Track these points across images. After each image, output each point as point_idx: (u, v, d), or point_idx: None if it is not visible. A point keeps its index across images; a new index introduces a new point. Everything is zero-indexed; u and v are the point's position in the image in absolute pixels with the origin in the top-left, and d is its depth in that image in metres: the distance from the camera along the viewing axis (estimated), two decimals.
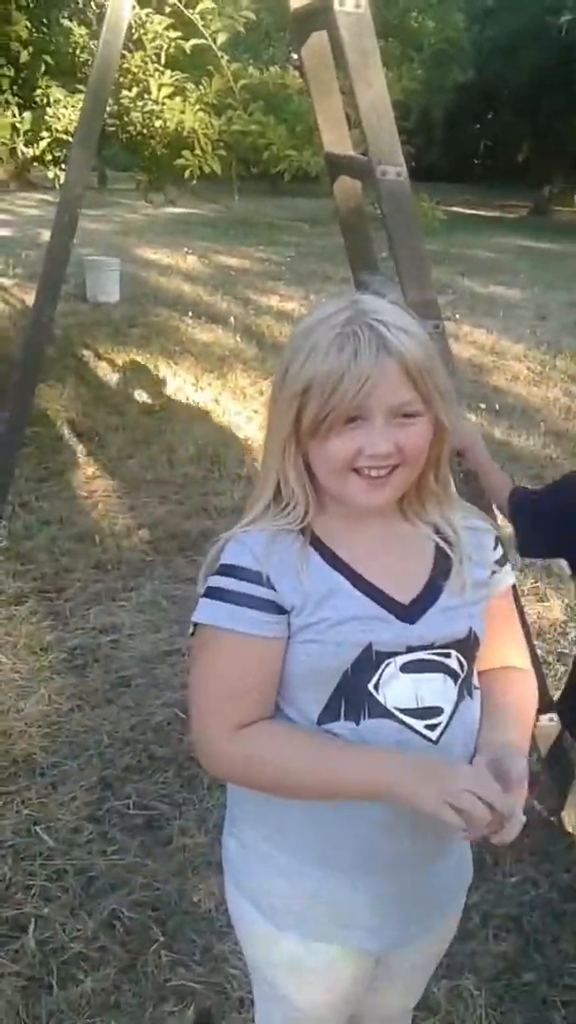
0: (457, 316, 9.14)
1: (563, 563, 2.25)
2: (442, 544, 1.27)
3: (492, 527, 1.35)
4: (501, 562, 1.33)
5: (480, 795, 1.09)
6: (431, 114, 19.63)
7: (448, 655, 1.24)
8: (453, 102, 20.03)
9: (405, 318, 1.15)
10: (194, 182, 4.85)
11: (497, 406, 6.55)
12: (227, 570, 1.20)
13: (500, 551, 1.33)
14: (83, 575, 3.96)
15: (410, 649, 1.21)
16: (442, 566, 1.26)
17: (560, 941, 2.31)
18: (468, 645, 1.26)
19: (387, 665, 1.20)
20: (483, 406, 6.40)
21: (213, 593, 1.20)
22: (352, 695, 1.20)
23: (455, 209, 18.61)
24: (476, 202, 21.60)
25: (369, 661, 1.19)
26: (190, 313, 8.98)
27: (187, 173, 4.58)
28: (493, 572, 1.31)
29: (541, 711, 2.54)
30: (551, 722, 2.56)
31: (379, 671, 1.20)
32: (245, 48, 5.31)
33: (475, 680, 1.30)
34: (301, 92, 4.49)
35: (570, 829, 2.63)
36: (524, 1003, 2.14)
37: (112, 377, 6.93)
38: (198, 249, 13.15)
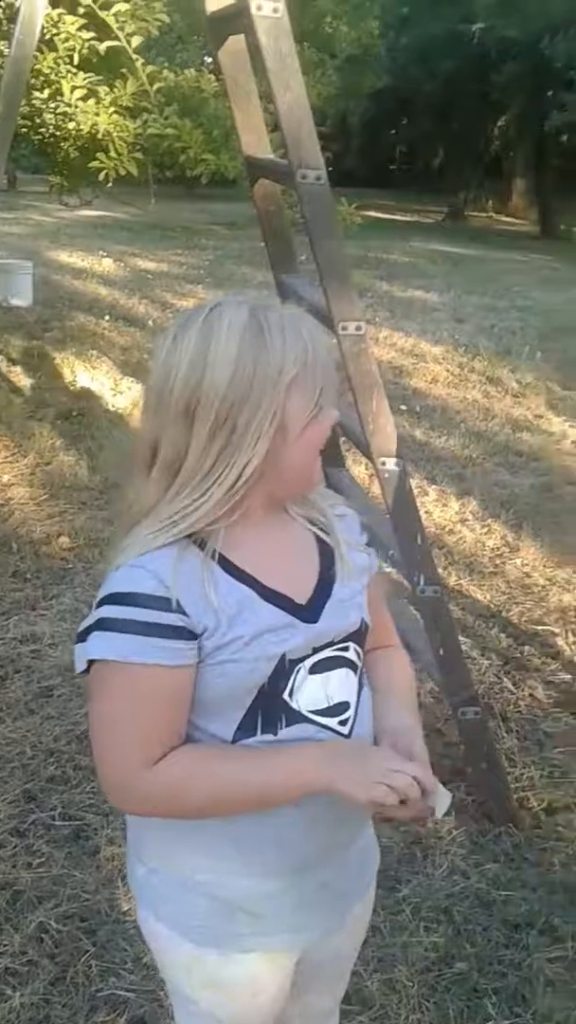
0: (376, 319, 9.25)
1: None
2: (320, 534, 1.29)
3: (354, 511, 1.38)
4: (366, 545, 1.36)
5: (405, 771, 1.13)
6: (348, 120, 19.85)
7: (347, 648, 1.26)
8: (369, 108, 20.27)
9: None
10: (109, 185, 4.81)
11: (418, 407, 6.65)
12: (127, 599, 1.12)
13: (365, 535, 1.36)
14: (1, 584, 3.89)
15: (315, 649, 1.22)
16: (327, 557, 1.28)
17: (490, 930, 2.35)
18: (362, 634, 1.29)
19: (298, 671, 1.20)
20: (404, 407, 6.48)
21: (112, 625, 1.12)
22: (269, 708, 1.19)
23: (372, 214, 18.81)
24: (393, 207, 21.87)
25: (283, 671, 1.19)
26: (107, 316, 8.88)
27: (102, 176, 4.54)
28: (366, 554, 1.34)
29: (466, 704, 2.58)
30: (476, 715, 2.61)
31: (292, 678, 1.20)
32: (159, 51, 5.28)
33: (364, 665, 1.33)
34: (217, 96, 4.49)
35: (496, 819, 2.68)
36: (456, 992, 2.18)
37: (27, 382, 6.81)
38: (114, 252, 13.00)
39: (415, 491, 2.49)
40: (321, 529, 1.29)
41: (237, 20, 2.26)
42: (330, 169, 2.20)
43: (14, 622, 3.61)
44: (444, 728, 3.08)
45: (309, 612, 1.22)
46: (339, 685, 1.24)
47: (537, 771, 2.94)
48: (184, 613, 1.12)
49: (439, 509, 4.90)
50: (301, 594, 1.23)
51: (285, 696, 1.20)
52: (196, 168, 4.42)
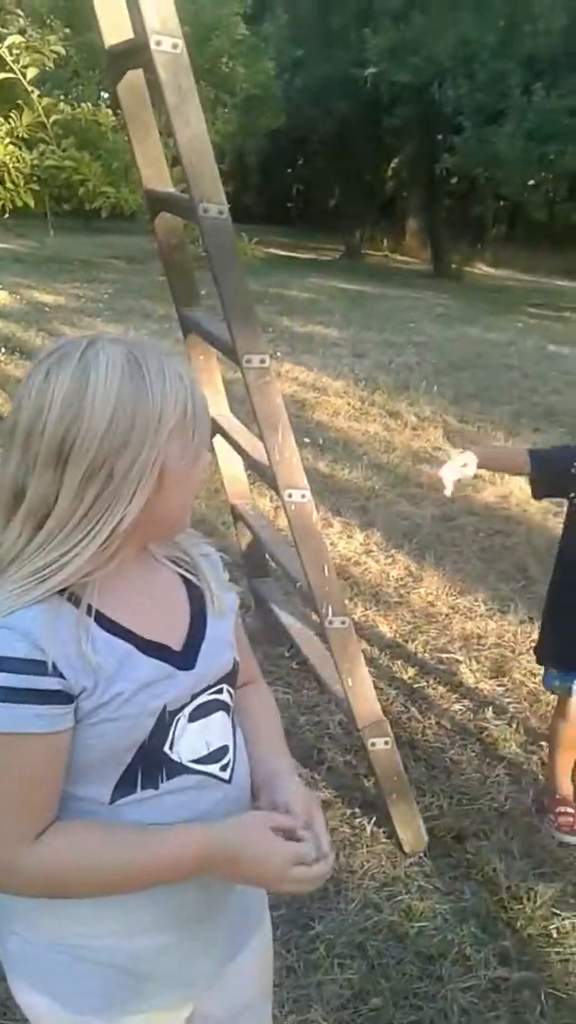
0: (278, 354, 9.32)
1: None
2: (187, 575, 1.26)
3: (214, 551, 1.36)
4: (229, 584, 1.34)
5: (307, 859, 1.14)
6: (245, 158, 20.10)
7: (221, 690, 1.23)
8: (266, 147, 20.58)
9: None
10: (6, 216, 4.74)
11: (321, 440, 6.71)
12: (12, 667, 1.04)
13: (226, 573, 1.35)
14: None
15: (193, 696, 1.19)
16: (196, 599, 1.25)
17: (404, 963, 2.34)
18: (234, 674, 1.27)
19: (178, 721, 1.17)
20: (307, 440, 6.53)
21: (5, 694, 1.04)
22: (149, 763, 1.15)
23: (271, 251, 19.05)
24: (291, 244, 22.19)
25: (164, 724, 1.15)
26: (2, 348, 8.72)
27: None
28: (229, 592, 1.32)
29: (375, 735, 2.58)
30: (385, 746, 2.61)
31: (172, 730, 1.16)
32: (56, 84, 5.27)
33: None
34: (116, 129, 4.49)
35: (407, 850, 2.69)
36: None
37: None
38: (9, 284, 12.78)
39: (320, 523, 2.50)
40: (187, 570, 1.27)
41: (136, 55, 2.26)
42: (229, 206, 2.20)
43: None
44: (354, 760, 3.08)
45: (185, 659, 1.18)
46: (217, 730, 1.22)
47: (446, 799, 2.96)
48: (61, 675, 1.05)
49: (344, 541, 4.94)
50: (176, 640, 1.19)
51: (166, 749, 1.15)
52: (95, 201, 4.40)
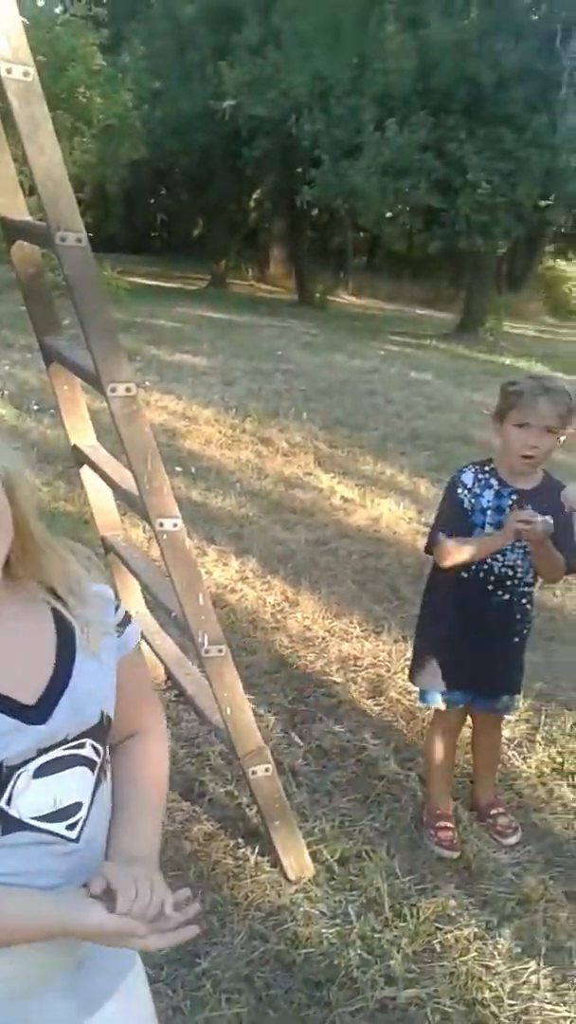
0: (147, 383, 9.27)
1: None
2: (63, 614, 1.19)
3: (106, 589, 1.29)
4: (124, 623, 1.27)
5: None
6: (107, 188, 19.96)
7: (83, 745, 1.17)
8: (128, 177, 20.47)
9: None
10: None
11: (193, 469, 6.69)
12: None
13: (120, 612, 1.27)
14: None
15: (41, 752, 1.12)
16: (66, 644, 1.18)
17: (291, 992, 2.32)
18: (101, 728, 1.20)
19: (18, 776, 1.11)
20: (179, 469, 6.50)
21: None
22: None
23: (137, 280, 18.97)
24: (157, 273, 22.15)
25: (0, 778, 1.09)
26: None
27: None
28: (117, 635, 1.25)
29: (256, 762, 2.57)
30: (266, 773, 2.60)
31: (10, 785, 1.10)
32: None
33: (107, 757, 1.24)
34: None
35: (292, 877, 2.68)
36: None
37: None
38: None
39: (194, 551, 2.48)
40: (65, 607, 1.19)
41: None
42: (91, 235, 2.18)
43: None
44: (235, 790, 3.06)
45: (38, 712, 1.12)
46: (69, 787, 1.15)
47: (328, 822, 2.97)
48: None
49: (219, 568, 4.92)
50: (29, 693, 1.13)
51: (2, 804, 1.09)
52: None
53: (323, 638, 4.26)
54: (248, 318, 16.66)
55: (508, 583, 2.72)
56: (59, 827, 1.14)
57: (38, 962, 1.18)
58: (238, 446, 7.57)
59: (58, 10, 14.96)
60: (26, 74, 1.99)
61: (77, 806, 1.16)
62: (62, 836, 1.15)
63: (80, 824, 1.17)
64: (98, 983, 1.28)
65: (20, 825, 1.11)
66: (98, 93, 11.86)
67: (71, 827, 1.15)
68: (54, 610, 1.18)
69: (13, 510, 1.11)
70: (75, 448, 3.08)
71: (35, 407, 7.62)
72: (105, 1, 16.59)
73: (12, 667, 1.12)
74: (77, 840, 1.16)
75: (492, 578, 2.71)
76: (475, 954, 2.50)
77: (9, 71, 1.98)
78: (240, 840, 2.84)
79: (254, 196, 23.87)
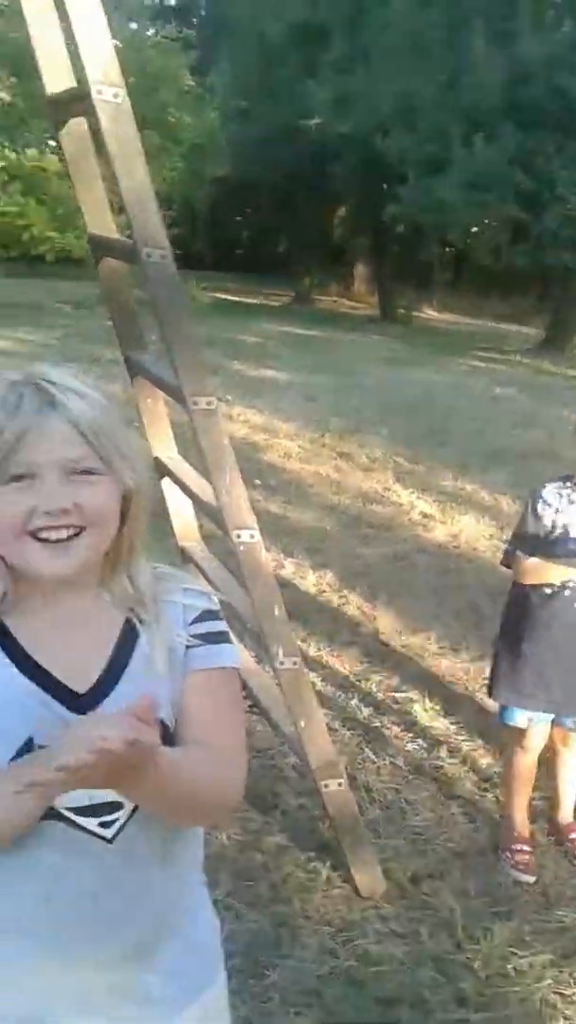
0: (229, 397, 9.37)
1: None
2: (134, 621, 1.19)
3: (204, 600, 1.26)
4: (209, 639, 1.23)
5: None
6: (194, 205, 20.33)
7: None
8: (215, 195, 20.83)
9: (77, 380, 1.14)
10: None
11: (272, 482, 6.73)
12: None
13: (208, 625, 1.24)
14: None
15: None
16: (128, 647, 1.18)
17: (361, 1009, 2.30)
18: None
19: None
20: (258, 482, 6.55)
21: None
22: None
23: (221, 296, 19.24)
24: (241, 290, 22.43)
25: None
26: None
27: None
28: (189, 647, 1.21)
29: (329, 776, 2.57)
30: (339, 787, 2.59)
31: None
32: (1, 130, 5.31)
33: None
34: (61, 176, 4.52)
35: (364, 893, 2.66)
36: None
37: None
38: None
39: (271, 564, 2.50)
40: (137, 616, 1.20)
41: (78, 103, 2.29)
42: (178, 251, 2.23)
43: None
44: (308, 803, 3.05)
45: (81, 701, 1.13)
46: None
47: (401, 840, 2.94)
48: None
49: (296, 581, 4.94)
50: (80, 681, 1.14)
51: None
52: (40, 246, 4.41)
53: (400, 654, 4.23)
54: (330, 334, 16.72)
55: None
56: (91, 822, 1.14)
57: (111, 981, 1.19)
58: (318, 460, 7.59)
59: (150, 32, 15.35)
60: (116, 96, 2.06)
61: (116, 805, 1.15)
62: (94, 832, 1.14)
63: (116, 825, 1.15)
64: (173, 992, 1.27)
65: (52, 813, 1.11)
66: (187, 113, 12.12)
67: (105, 825, 1.14)
68: (129, 618, 1.20)
69: (124, 521, 1.16)
70: (157, 460, 3.13)
71: None
72: (195, 22, 16.94)
73: (71, 655, 1.15)
74: (111, 841, 1.15)
75: None
76: (550, 981, 2.44)
77: (100, 92, 2.04)
78: (312, 854, 2.83)
79: (339, 213, 23.97)
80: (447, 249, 24.54)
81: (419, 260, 23.50)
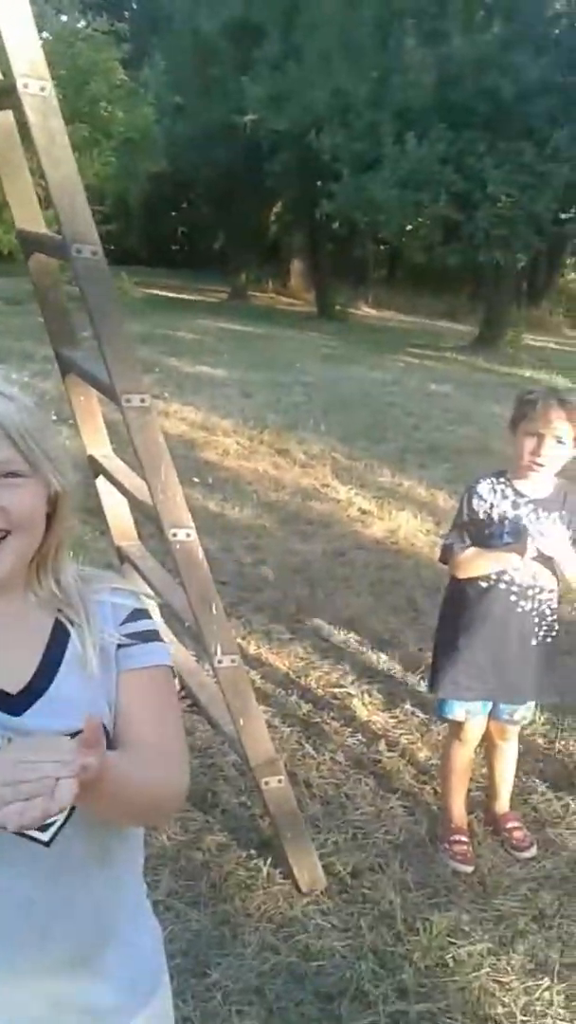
0: (166, 394, 9.31)
1: None
2: (64, 621, 1.19)
3: (133, 600, 1.26)
4: (140, 637, 1.23)
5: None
6: (127, 201, 20.13)
7: None
8: (149, 190, 20.65)
9: (2, 382, 1.13)
10: None
11: (210, 479, 6.71)
12: None
13: (138, 625, 1.24)
14: None
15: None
16: (59, 647, 1.18)
17: (303, 1004, 2.31)
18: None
19: None
20: (196, 480, 6.52)
21: None
22: None
23: (157, 292, 19.11)
24: (177, 286, 22.28)
25: None
26: None
27: None
28: (120, 646, 1.21)
29: (269, 773, 2.57)
30: (279, 784, 2.60)
31: None
32: None
33: None
34: None
35: (304, 889, 2.67)
36: None
37: None
38: None
39: (208, 563, 2.49)
40: (67, 617, 1.19)
41: (5, 97, 2.24)
42: (111, 247, 2.20)
43: None
44: (248, 800, 3.05)
45: (13, 703, 1.12)
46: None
47: (341, 835, 2.96)
48: None
49: (235, 579, 4.92)
50: (12, 683, 1.13)
51: None
52: None
53: (339, 649, 4.25)
54: (267, 330, 16.72)
55: (530, 591, 2.71)
56: None
57: (49, 1000, 1.18)
58: (256, 457, 7.59)
59: (80, 25, 15.14)
60: (42, 88, 2.02)
61: None
62: (31, 836, 1.13)
63: (54, 828, 1.14)
64: (120, 1000, 1.26)
65: None
66: (119, 107, 11.98)
67: (42, 828, 1.13)
68: (58, 619, 1.19)
69: (52, 522, 1.16)
70: (91, 458, 3.10)
71: (54, 418, 7.66)
72: (127, 16, 16.77)
73: (2, 657, 1.14)
74: (48, 843, 1.14)
75: (515, 588, 2.70)
76: (488, 969, 2.48)
77: (26, 86, 2.00)
78: (253, 851, 2.83)
79: (274, 210, 23.98)
80: (381, 247, 24.78)
81: (354, 257, 23.67)
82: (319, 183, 17.57)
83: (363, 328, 19.43)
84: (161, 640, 1.27)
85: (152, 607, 1.26)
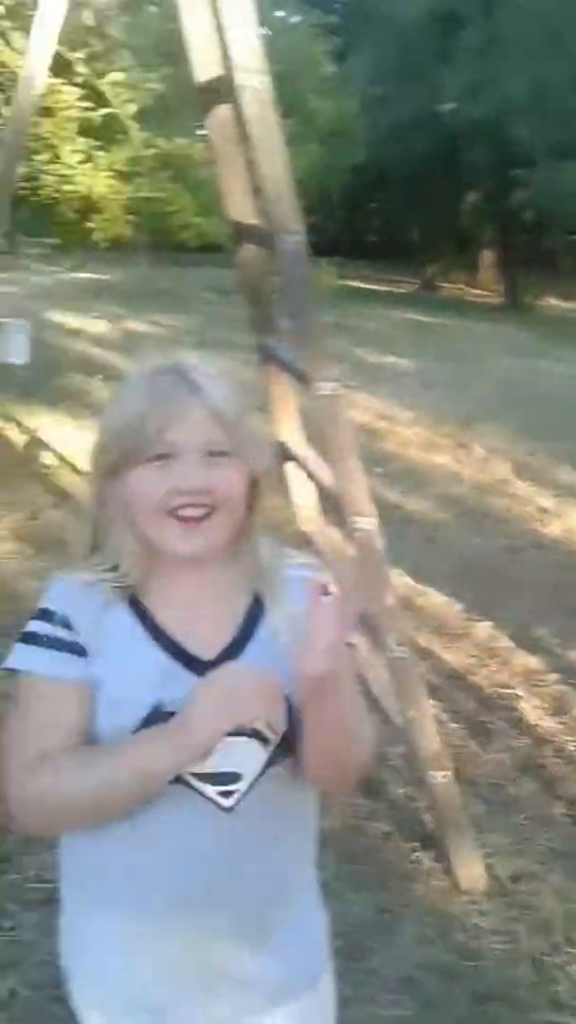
0: (352, 384, 9.36)
1: None
2: (259, 595, 1.23)
3: (321, 576, 1.25)
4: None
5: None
6: (329, 193, 20.32)
7: (255, 719, 1.16)
8: (349, 182, 20.79)
9: (215, 368, 1.19)
10: (104, 247, 4.90)
11: (389, 470, 6.71)
12: (39, 614, 1.19)
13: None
14: None
15: None
16: (254, 619, 1.22)
17: (456, 1002, 2.30)
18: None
19: None
20: (377, 470, 6.53)
21: (26, 638, 1.18)
22: None
23: (350, 283, 19.19)
24: (370, 277, 22.31)
25: (161, 721, 1.12)
26: (98, 376, 8.95)
27: (96, 237, 4.63)
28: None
29: (435, 768, 2.57)
30: (444, 780, 2.59)
31: None
32: (153, 119, 5.43)
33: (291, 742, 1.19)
34: (207, 163, 4.61)
35: (464, 887, 2.65)
36: None
37: (19, 438, 6.82)
38: (106, 314, 13.11)
39: (384, 553, 2.51)
40: (261, 592, 1.23)
41: (224, 90, 2.33)
42: (312, 238, 2.25)
43: None
44: (413, 793, 3.06)
45: (207, 669, 1.15)
46: (231, 753, 1.15)
47: (504, 837, 2.92)
48: (73, 628, 1.16)
49: (410, 571, 4.92)
50: (207, 650, 1.18)
51: None
52: (185, 232, 4.53)
53: (509, 649, 4.17)
54: (455, 322, 16.48)
55: None
56: (211, 789, 1.16)
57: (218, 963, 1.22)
58: (436, 450, 7.52)
59: (294, 20, 15.37)
60: (260, 83, 2.09)
61: (235, 775, 1.16)
62: (213, 800, 1.16)
63: (236, 795, 1.16)
64: (287, 976, 1.28)
65: (175, 777, 1.13)
66: (326, 100, 12.12)
67: (225, 795, 1.16)
68: (253, 593, 1.24)
69: (251, 502, 1.21)
70: (281, 444, 3.17)
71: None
72: (337, 8, 16.87)
73: (200, 626, 1.20)
74: (230, 810, 1.16)
75: None
76: None
77: (245, 80, 2.08)
78: (416, 843, 2.84)
79: (468, 200, 23.57)
80: (572, 236, 23.85)
81: (545, 248, 22.93)
82: (514, 173, 17.14)
83: (553, 320, 18.81)
84: None
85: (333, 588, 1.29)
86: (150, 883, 1.20)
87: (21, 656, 1.16)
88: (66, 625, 1.16)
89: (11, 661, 1.16)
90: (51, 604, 1.18)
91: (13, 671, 1.17)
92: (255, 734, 1.16)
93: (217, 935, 1.22)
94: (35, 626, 1.17)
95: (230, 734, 1.10)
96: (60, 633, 1.15)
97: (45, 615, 1.17)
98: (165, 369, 1.17)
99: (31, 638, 1.16)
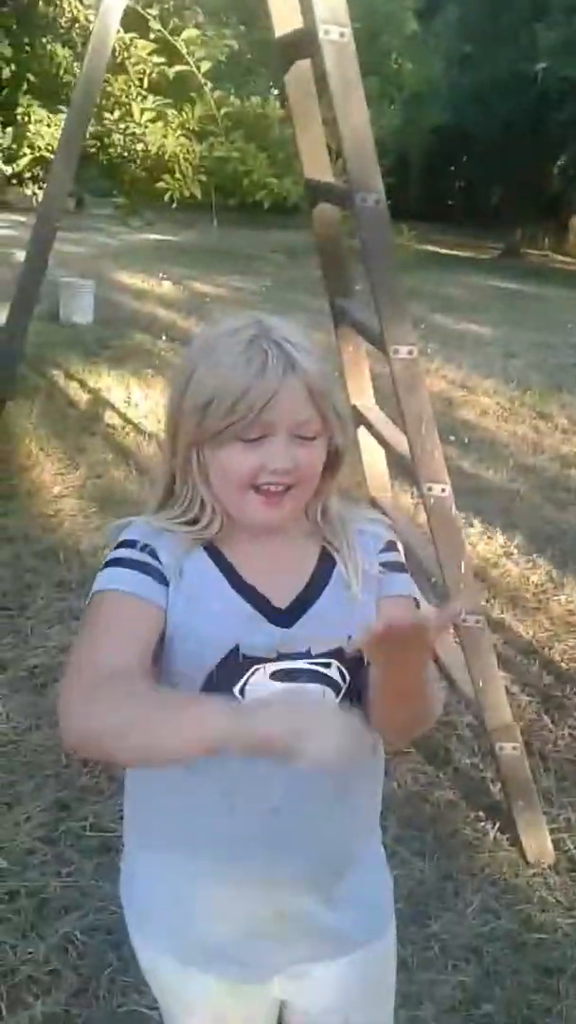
0: (429, 350, 9.23)
1: None
2: (330, 549, 1.25)
3: (389, 532, 1.31)
4: (393, 567, 1.28)
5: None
6: (409, 154, 19.97)
7: (328, 664, 1.20)
8: (430, 143, 20.41)
9: (309, 340, 1.17)
10: (173, 206, 4.90)
11: (467, 439, 6.61)
12: (121, 543, 1.20)
13: (392, 555, 1.29)
14: (46, 593, 3.91)
15: (281, 656, 1.17)
16: (326, 571, 1.24)
17: (520, 973, 2.29)
18: (349, 656, 1.20)
19: (255, 671, 1.16)
20: (453, 438, 6.45)
21: (110, 562, 1.19)
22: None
23: (429, 247, 18.87)
24: (450, 242, 21.92)
25: (236, 664, 1.16)
26: (164, 337, 9.00)
27: (167, 197, 4.63)
28: (380, 574, 1.26)
29: (504, 739, 2.54)
30: (514, 751, 2.56)
31: (246, 676, 1.16)
32: (227, 77, 5.39)
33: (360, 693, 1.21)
34: (282, 122, 4.56)
35: (531, 859, 2.63)
36: None
37: (83, 397, 6.91)
38: (173, 275, 13.20)
39: (460, 521, 2.47)
40: (332, 545, 1.25)
41: (304, 44, 2.29)
42: (390, 201, 2.20)
43: (56, 631, 3.62)
44: (481, 763, 3.03)
45: (281, 616, 1.19)
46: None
47: (574, 812, 2.87)
48: (157, 559, 1.17)
49: (484, 542, 4.85)
50: (280, 598, 1.20)
51: (235, 691, 1.16)
52: (258, 192, 4.49)
53: None
54: (538, 289, 16.09)
55: None
56: None
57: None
58: (515, 419, 7.38)
59: None
60: (342, 35, 2.05)
61: None
62: None
63: None
64: (350, 929, 1.30)
65: None
66: (409, 59, 11.86)
67: None
68: (324, 547, 1.26)
69: (328, 472, 1.22)
70: (355, 408, 3.14)
71: None
72: None
73: (275, 575, 1.22)
74: None
75: None
76: None
77: (327, 32, 2.04)
78: (481, 813, 2.82)
79: (558, 163, 22.89)
80: None
81: None
82: None
83: None
84: (408, 573, 1.31)
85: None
86: (212, 834, 1.22)
87: (104, 579, 1.16)
88: (151, 553, 1.17)
89: (97, 586, 1.16)
90: (134, 535, 1.20)
91: (97, 594, 1.16)
92: (327, 681, 1.19)
93: (280, 882, 1.24)
94: (119, 552, 1.18)
95: (287, 679, 1.15)
96: (145, 558, 1.17)
97: (128, 544, 1.19)
98: (258, 338, 1.14)
99: (115, 562, 1.17)
